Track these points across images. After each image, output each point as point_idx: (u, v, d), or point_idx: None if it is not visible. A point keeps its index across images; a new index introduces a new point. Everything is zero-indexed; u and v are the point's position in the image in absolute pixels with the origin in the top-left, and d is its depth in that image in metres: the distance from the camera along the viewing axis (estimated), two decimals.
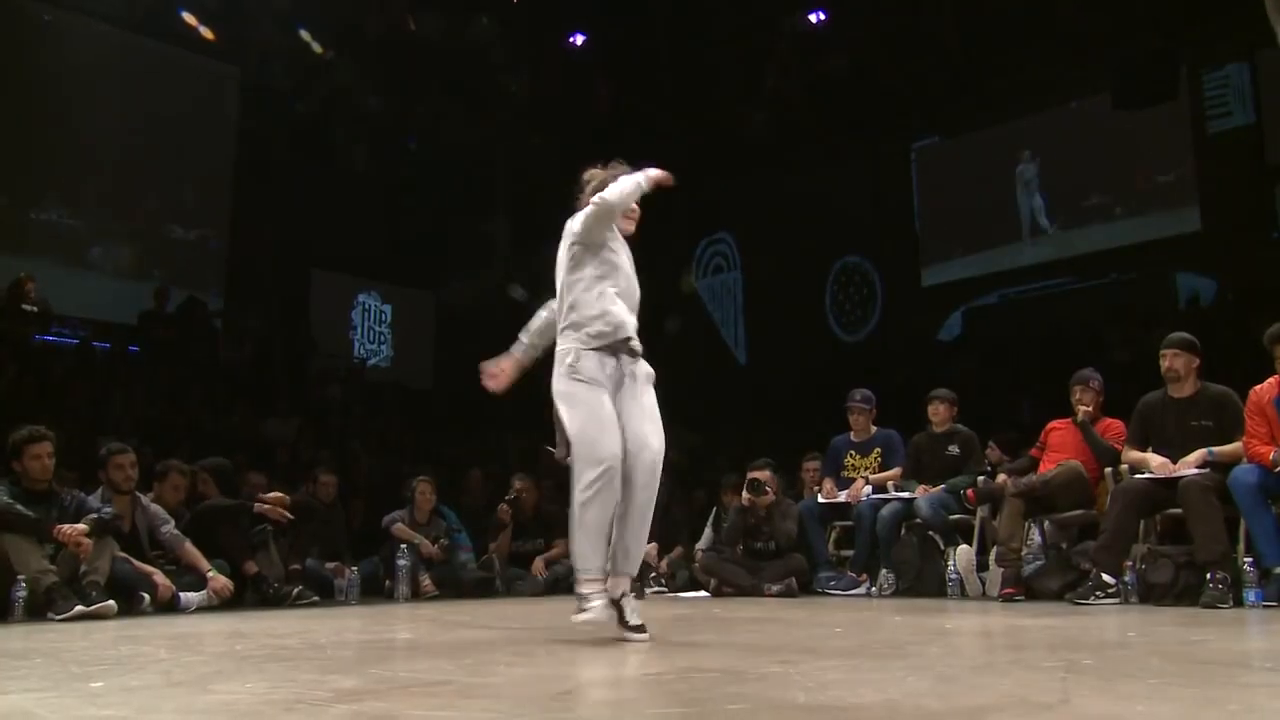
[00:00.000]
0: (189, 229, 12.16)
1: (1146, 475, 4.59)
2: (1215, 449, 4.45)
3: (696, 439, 9.73)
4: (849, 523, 6.03)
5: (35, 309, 9.23)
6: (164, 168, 11.73)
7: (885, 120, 13.06)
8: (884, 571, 5.59)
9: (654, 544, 6.58)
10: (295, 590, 5.35)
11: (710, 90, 12.92)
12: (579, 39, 12.83)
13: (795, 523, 5.94)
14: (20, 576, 4.22)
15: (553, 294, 3.22)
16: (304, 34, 11.57)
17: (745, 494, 5.95)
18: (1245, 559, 4.16)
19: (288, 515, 5.56)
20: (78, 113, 10.73)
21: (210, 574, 5.01)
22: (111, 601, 4.29)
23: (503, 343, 3.41)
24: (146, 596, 4.64)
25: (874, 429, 6.28)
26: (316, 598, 5.47)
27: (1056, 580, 4.87)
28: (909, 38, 11.88)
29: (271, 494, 5.63)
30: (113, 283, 11.17)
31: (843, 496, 6.06)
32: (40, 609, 4.21)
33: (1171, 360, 4.68)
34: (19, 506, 4.36)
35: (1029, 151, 12.48)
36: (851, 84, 12.14)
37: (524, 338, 3.32)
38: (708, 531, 6.59)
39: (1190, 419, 4.62)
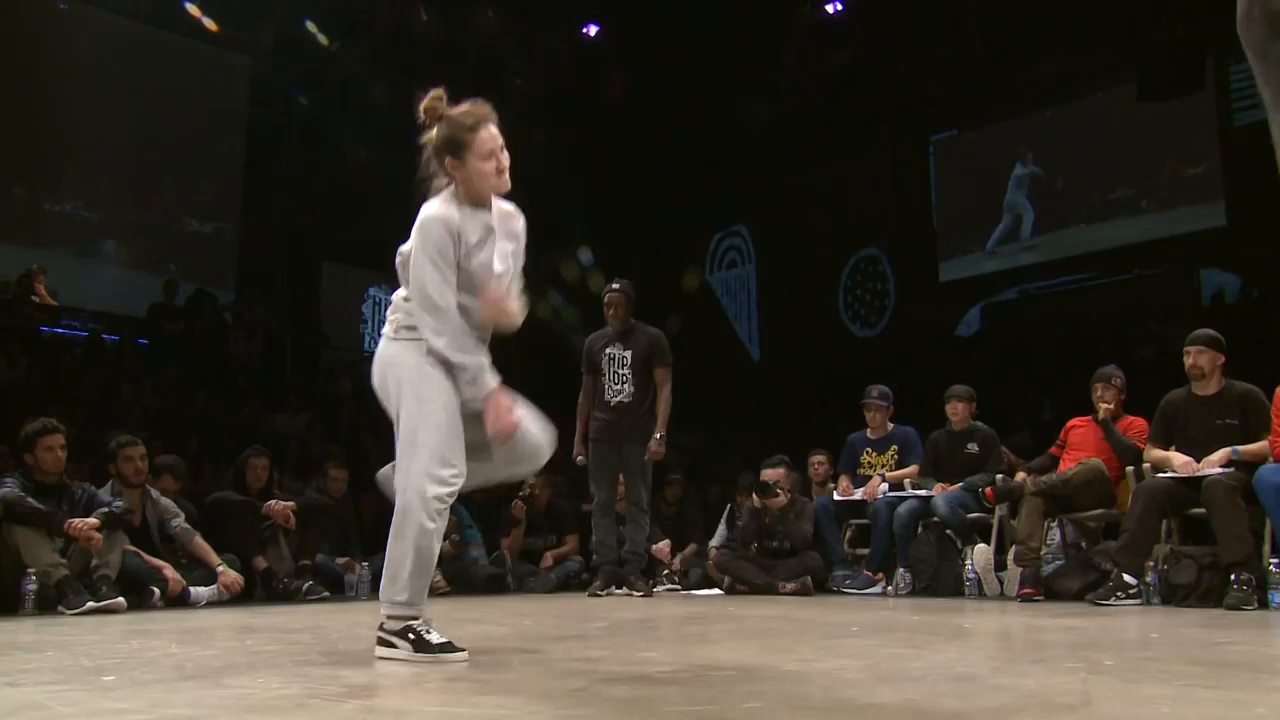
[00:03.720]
0: (203, 222, 12.20)
1: (1169, 474, 4.53)
2: (1240, 448, 4.39)
3: (696, 439, 9.66)
4: (865, 521, 5.98)
5: (37, 298, 9.26)
6: (176, 160, 11.77)
7: (903, 113, 12.98)
8: (900, 570, 5.54)
9: (667, 541, 6.57)
10: (305, 585, 5.36)
11: (725, 82, 12.86)
12: (593, 29, 12.78)
13: (811, 523, 5.89)
14: (30, 570, 4.22)
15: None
16: (312, 25, 11.57)
17: (755, 496, 5.88)
18: (1271, 560, 4.09)
19: (292, 524, 5.58)
20: (91, 105, 10.77)
21: (220, 569, 5.02)
22: (122, 599, 4.29)
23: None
24: (157, 590, 4.64)
25: (891, 426, 6.22)
26: (327, 593, 5.47)
27: (1076, 580, 4.81)
28: (927, 29, 11.77)
29: (280, 503, 5.62)
30: (123, 275, 11.22)
31: (859, 494, 6.01)
32: (51, 602, 4.21)
33: (1196, 357, 4.61)
34: (30, 499, 4.36)
35: (1030, 154, 12.38)
36: (869, 76, 12.06)
37: None
38: (721, 529, 6.56)
39: (1215, 417, 4.56)
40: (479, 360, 2.46)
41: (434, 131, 2.50)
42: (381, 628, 2.44)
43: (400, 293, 2.55)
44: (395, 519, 2.40)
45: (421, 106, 2.52)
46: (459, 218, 2.45)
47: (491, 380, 2.45)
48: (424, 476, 2.36)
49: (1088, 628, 3.38)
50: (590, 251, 12.68)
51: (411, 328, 2.47)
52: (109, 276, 11.08)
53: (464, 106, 2.50)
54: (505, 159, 2.50)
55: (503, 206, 2.59)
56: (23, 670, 2.36)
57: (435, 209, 2.46)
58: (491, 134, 2.47)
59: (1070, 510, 5.15)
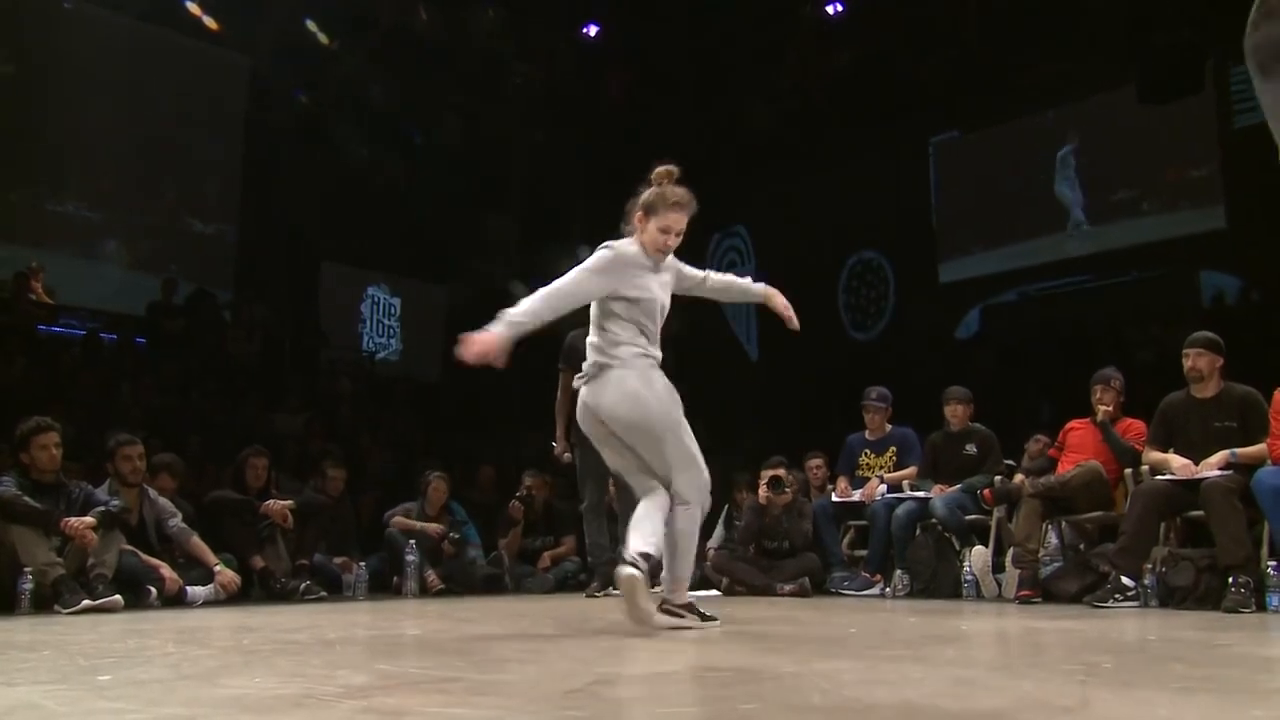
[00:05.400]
0: (205, 223, 12.17)
1: (1168, 476, 4.53)
2: (1238, 450, 4.38)
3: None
4: (863, 522, 5.97)
5: (34, 297, 9.24)
6: (176, 160, 11.74)
7: (903, 114, 12.94)
8: (898, 572, 5.54)
9: None
10: (303, 585, 5.35)
11: (725, 82, 12.83)
12: (593, 30, 12.77)
13: (810, 522, 5.89)
14: (27, 568, 4.21)
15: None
16: (313, 25, 11.56)
17: (764, 491, 5.88)
18: (1269, 562, 4.09)
19: (290, 523, 5.57)
20: (92, 104, 10.75)
21: (217, 568, 5.00)
22: (119, 596, 4.28)
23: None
24: (154, 590, 4.63)
25: (889, 427, 6.22)
26: (324, 593, 5.46)
27: (1074, 582, 4.80)
28: (927, 30, 11.75)
29: (278, 503, 5.61)
30: (124, 275, 11.19)
31: (857, 496, 6.00)
32: (47, 601, 4.20)
33: (1195, 360, 4.60)
34: (26, 498, 4.35)
35: (1073, 134, 12.30)
36: (869, 77, 12.04)
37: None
38: (719, 529, 6.54)
39: (1213, 420, 4.55)
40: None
41: (649, 190, 3.29)
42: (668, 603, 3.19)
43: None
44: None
45: (656, 171, 3.33)
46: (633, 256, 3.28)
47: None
48: None
49: (1085, 630, 3.37)
50: (590, 251, 12.66)
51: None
52: (110, 277, 11.05)
53: (679, 191, 3.28)
54: (673, 243, 3.30)
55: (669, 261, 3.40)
56: (18, 669, 2.35)
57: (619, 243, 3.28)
58: (678, 220, 3.27)
59: (1068, 512, 5.13)
